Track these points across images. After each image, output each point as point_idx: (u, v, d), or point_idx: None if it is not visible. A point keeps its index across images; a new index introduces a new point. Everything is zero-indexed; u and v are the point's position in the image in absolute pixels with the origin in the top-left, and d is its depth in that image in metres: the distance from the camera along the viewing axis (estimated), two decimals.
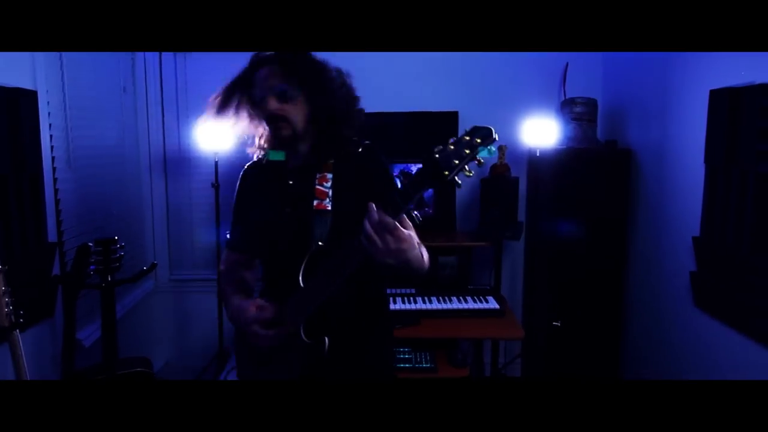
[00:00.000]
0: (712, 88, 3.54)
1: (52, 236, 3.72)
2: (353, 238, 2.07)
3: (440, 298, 4.57)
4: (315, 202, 2.34)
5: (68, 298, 3.27)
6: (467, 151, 1.82)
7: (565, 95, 5.13)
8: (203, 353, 5.48)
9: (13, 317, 2.44)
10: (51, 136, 3.78)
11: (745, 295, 3.34)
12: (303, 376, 2.40)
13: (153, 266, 3.81)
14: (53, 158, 3.80)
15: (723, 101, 3.45)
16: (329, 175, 2.40)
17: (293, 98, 2.34)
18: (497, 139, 1.85)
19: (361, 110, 2.49)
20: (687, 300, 3.89)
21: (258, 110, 2.39)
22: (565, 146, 4.72)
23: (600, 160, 4.67)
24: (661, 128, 4.25)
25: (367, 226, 1.96)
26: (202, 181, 5.38)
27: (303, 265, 2.29)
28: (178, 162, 5.51)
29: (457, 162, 1.82)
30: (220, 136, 4.84)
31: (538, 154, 4.77)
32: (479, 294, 4.66)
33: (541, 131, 4.69)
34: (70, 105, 4.05)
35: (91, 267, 3.17)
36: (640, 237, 4.66)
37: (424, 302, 4.48)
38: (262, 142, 2.53)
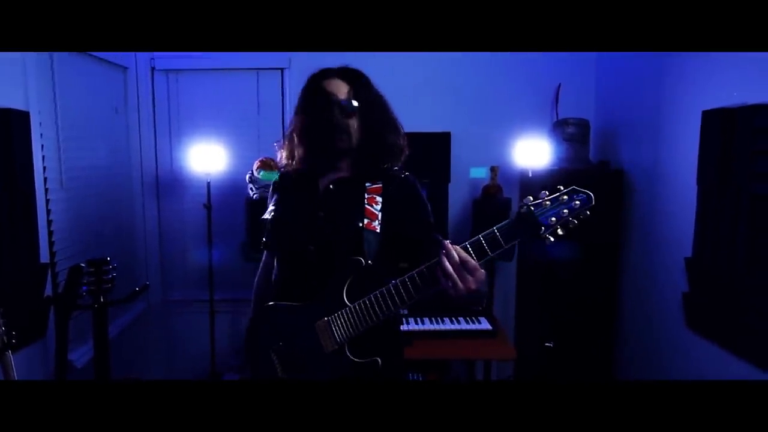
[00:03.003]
0: (705, 108, 3.56)
1: (44, 257, 3.72)
2: (415, 269, 2.11)
3: (432, 318, 4.53)
4: (365, 221, 2.34)
5: (60, 319, 3.25)
6: (565, 212, 1.88)
7: (557, 116, 5.15)
8: (195, 374, 5.45)
9: (5, 338, 2.43)
10: (43, 156, 3.77)
11: (737, 316, 3.34)
12: None
13: (145, 287, 3.80)
14: (45, 179, 3.80)
15: (715, 122, 3.46)
16: (379, 198, 2.40)
17: (353, 114, 2.38)
18: (594, 204, 1.89)
19: (405, 143, 2.53)
20: (679, 321, 3.89)
21: (319, 119, 2.40)
22: (557, 167, 4.73)
23: (592, 180, 4.64)
24: (654, 149, 4.26)
25: (447, 265, 1.97)
26: (194, 202, 5.36)
27: (347, 283, 2.28)
28: (170, 183, 5.50)
29: (553, 220, 1.89)
30: (212, 157, 4.85)
31: (530, 175, 4.77)
32: (471, 315, 4.64)
33: (533, 152, 4.71)
34: (63, 125, 4.05)
35: (84, 288, 3.15)
36: (633, 258, 4.66)
37: (416, 323, 4.45)
38: (284, 155, 2.57)
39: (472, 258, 1.99)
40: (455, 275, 1.96)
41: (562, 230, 1.91)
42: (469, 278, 1.97)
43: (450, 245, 1.99)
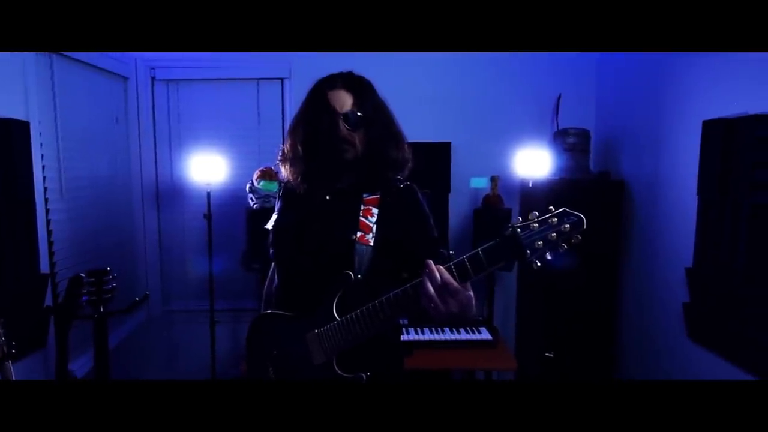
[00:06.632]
0: (705, 119, 3.56)
1: (44, 267, 3.72)
2: (402, 286, 2.07)
3: (432, 328, 4.53)
4: (358, 234, 2.31)
5: (60, 329, 3.24)
6: (553, 235, 1.81)
7: (558, 126, 5.15)
8: None
9: (5, 348, 2.43)
10: (43, 166, 3.78)
11: (738, 326, 3.34)
12: None
13: (145, 297, 3.80)
14: (45, 189, 3.80)
15: (716, 132, 3.46)
16: (375, 210, 2.37)
17: (359, 126, 2.34)
18: (585, 228, 1.81)
19: (410, 155, 2.48)
20: (680, 331, 3.89)
21: (324, 132, 2.34)
22: (557, 177, 4.73)
23: (593, 191, 4.68)
24: (654, 159, 4.26)
25: (429, 287, 1.92)
26: (194, 212, 5.35)
27: (337, 296, 2.26)
28: (170, 193, 5.51)
29: (540, 244, 1.81)
30: (212, 167, 4.85)
31: (530, 185, 4.77)
32: (472, 324, 4.63)
33: (533, 162, 4.71)
34: (63, 135, 4.06)
35: (84, 298, 3.15)
36: (633, 268, 4.66)
37: (416, 333, 4.45)
38: (288, 172, 2.51)
39: (456, 280, 1.94)
40: (436, 297, 1.92)
41: (550, 255, 1.84)
42: (451, 301, 1.93)
43: (434, 266, 1.93)
